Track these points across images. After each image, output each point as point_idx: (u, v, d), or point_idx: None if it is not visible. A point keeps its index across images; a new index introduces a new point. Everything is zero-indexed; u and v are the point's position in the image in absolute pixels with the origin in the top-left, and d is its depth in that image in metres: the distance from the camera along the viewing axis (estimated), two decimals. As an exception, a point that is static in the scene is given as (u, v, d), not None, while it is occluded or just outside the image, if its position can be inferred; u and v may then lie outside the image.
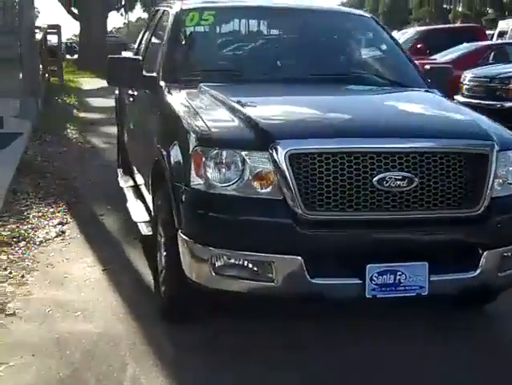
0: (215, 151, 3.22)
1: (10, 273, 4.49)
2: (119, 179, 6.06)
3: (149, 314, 3.88)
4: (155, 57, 4.62)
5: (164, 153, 3.60)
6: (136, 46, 6.13)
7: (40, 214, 5.88)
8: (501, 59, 12.74)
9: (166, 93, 4.10)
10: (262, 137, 3.22)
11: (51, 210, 6.03)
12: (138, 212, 4.82)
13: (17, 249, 4.97)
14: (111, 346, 3.51)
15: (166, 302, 3.73)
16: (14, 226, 5.44)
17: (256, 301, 3.64)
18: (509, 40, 17.99)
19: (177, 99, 3.94)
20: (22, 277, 4.44)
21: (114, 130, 11.25)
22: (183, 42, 4.60)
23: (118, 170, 6.30)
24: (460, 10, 58.70)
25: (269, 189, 3.16)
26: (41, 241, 5.17)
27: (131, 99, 5.30)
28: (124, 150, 6.15)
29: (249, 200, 3.19)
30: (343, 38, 4.99)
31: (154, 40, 5.30)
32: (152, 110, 4.25)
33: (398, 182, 3.14)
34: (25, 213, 5.87)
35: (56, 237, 5.32)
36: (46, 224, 5.63)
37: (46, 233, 5.40)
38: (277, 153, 3.12)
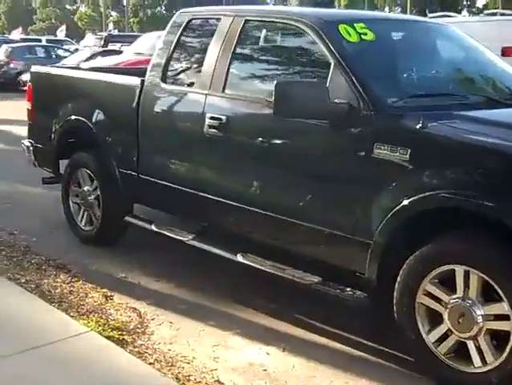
0: None
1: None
2: (154, 227, 5.08)
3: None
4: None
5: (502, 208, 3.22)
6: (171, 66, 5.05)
7: (64, 291, 4.72)
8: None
9: (412, 126, 3.53)
10: None
11: (59, 279, 4.90)
12: (279, 268, 4.21)
13: (142, 340, 4.07)
14: None
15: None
16: (80, 313, 4.36)
17: None
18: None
19: (456, 134, 3.56)
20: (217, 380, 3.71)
21: None
22: (364, 62, 4.08)
23: (127, 217, 5.22)
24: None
25: None
26: (138, 327, 4.26)
27: (212, 130, 4.47)
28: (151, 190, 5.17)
29: None
30: (479, 51, 4.91)
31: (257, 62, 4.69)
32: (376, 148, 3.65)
33: None
34: (44, 287, 4.70)
35: (133, 315, 4.43)
36: (93, 301, 4.59)
37: (120, 314, 4.43)
38: None
